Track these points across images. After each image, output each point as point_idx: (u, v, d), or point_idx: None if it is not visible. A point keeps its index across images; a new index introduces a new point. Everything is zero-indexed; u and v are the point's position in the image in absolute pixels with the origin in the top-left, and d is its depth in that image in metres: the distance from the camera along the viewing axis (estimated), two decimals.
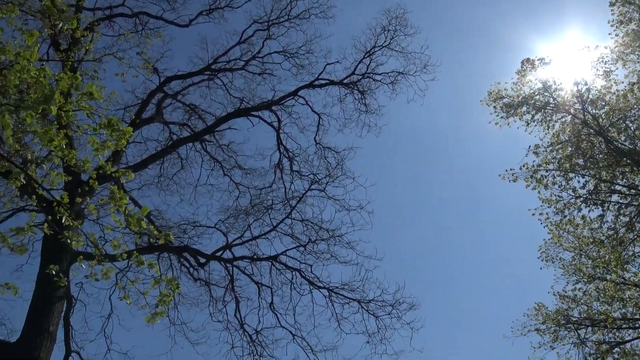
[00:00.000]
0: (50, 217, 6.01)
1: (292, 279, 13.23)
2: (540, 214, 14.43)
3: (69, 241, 5.66)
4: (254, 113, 14.33)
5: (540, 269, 15.36)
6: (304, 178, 14.31)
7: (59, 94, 4.84)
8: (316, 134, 14.65)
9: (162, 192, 15.09)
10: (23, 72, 4.75)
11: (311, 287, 13.22)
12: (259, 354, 12.86)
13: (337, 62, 14.65)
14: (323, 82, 14.54)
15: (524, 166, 14.12)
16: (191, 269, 13.18)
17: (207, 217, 18.12)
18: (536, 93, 14.21)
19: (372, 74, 14.62)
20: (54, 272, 5.92)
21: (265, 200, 14.48)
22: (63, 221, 5.57)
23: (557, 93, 14.00)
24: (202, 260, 12.77)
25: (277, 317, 13.16)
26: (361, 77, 14.61)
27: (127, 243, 12.27)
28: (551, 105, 14.08)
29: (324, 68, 14.48)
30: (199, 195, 15.27)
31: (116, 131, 5.69)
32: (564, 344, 14.53)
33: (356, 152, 14.52)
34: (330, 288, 13.09)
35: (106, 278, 5.85)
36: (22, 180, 5.61)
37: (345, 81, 14.61)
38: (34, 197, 6.58)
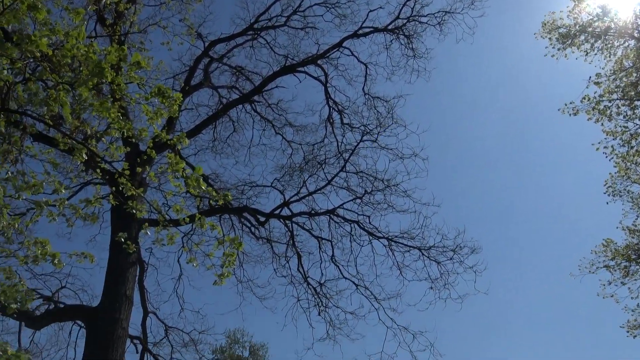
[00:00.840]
0: (114, 189, 6.27)
1: (351, 231, 13.36)
2: (605, 147, 13.76)
3: (133, 210, 5.91)
4: (299, 69, 14.20)
5: (607, 203, 14.78)
6: (355, 130, 14.19)
7: (109, 67, 4.96)
8: (364, 85, 14.39)
9: (217, 155, 15.42)
10: (73, 50, 4.87)
11: (370, 238, 13.32)
12: (324, 305, 13.20)
13: (380, 7, 14.17)
14: (367, 30, 14.15)
15: (585, 98, 13.42)
16: (252, 228, 13.53)
17: (262, 176, 18.37)
18: (595, 19, 13.32)
19: (417, 17, 14.07)
20: (123, 240, 6.22)
21: (319, 155, 14.50)
22: (126, 191, 5.81)
23: (618, 17, 13.08)
24: (262, 219, 13.05)
25: (339, 269, 13.40)
26: (406, 21, 14.11)
27: (189, 207, 12.68)
28: (612, 31, 13.19)
29: (367, 16, 14.06)
30: (253, 156, 15.50)
31: (167, 98, 5.81)
32: (635, 279, 14.11)
33: (406, 100, 14.15)
34: (390, 237, 13.14)
35: (171, 243, 6.10)
36: (85, 155, 5.86)
37: (390, 27, 14.16)
38: (98, 170, 6.88)
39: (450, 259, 12.79)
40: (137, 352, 12.26)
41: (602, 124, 13.50)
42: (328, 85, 14.19)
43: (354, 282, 13.20)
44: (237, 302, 13.93)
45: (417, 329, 12.51)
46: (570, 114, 13.69)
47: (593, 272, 14.76)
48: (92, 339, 9.12)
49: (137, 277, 10.62)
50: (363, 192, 13.45)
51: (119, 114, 5.74)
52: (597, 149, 13.82)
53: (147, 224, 6.89)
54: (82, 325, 10.92)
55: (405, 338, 12.54)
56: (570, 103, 13.62)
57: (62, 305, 10.21)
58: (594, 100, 13.35)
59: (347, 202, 13.40)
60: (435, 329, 12.65)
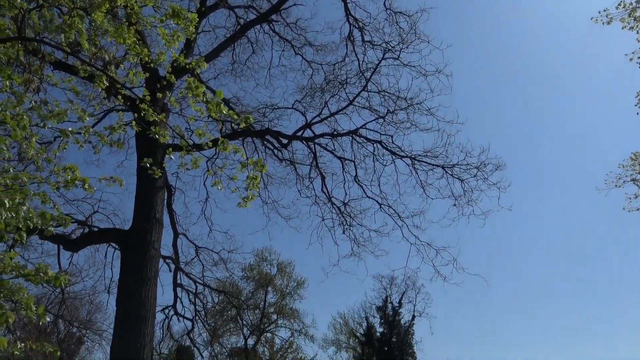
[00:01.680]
0: (136, 115, 6.30)
1: (374, 151, 13.36)
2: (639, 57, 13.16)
3: (156, 136, 5.98)
4: None
5: (637, 114, 14.31)
6: (377, 48, 13.79)
7: None
8: None
9: (237, 78, 15.27)
10: None
11: (394, 157, 13.32)
12: (348, 223, 13.47)
13: None
14: None
15: (620, 5, 12.70)
16: (275, 151, 13.62)
17: (283, 98, 18.30)
18: None
19: None
20: (148, 165, 6.33)
21: (340, 75, 14.24)
22: (148, 117, 5.85)
23: None
24: (285, 141, 13.09)
25: (363, 188, 13.53)
26: None
27: (212, 132, 12.76)
28: None
29: None
30: (274, 77, 15.33)
31: (182, 19, 5.71)
32: None
33: (429, 14, 13.59)
34: (413, 156, 13.11)
35: (196, 167, 6.19)
36: (105, 82, 5.86)
37: None
38: (119, 97, 6.90)
39: (474, 176, 12.78)
40: (170, 271, 12.88)
41: (638, 32, 12.83)
42: (348, 1, 13.68)
43: (377, 201, 13.37)
44: (263, 222, 14.32)
45: (440, 245, 12.78)
46: (603, 23, 13.01)
47: (619, 186, 14.60)
48: (127, 259, 9.56)
49: (165, 201, 10.92)
50: (385, 111, 13.31)
51: (135, 39, 5.66)
52: (631, 59, 13.23)
53: (171, 149, 6.99)
54: (117, 247, 11.40)
55: (428, 253, 12.84)
56: (604, 10, 12.93)
57: (96, 229, 10.63)
58: (630, 6, 12.63)
59: (370, 122, 13.32)
60: (458, 245, 12.93)
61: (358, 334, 55.81)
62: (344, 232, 13.56)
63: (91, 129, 6.13)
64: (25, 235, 4.66)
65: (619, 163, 14.64)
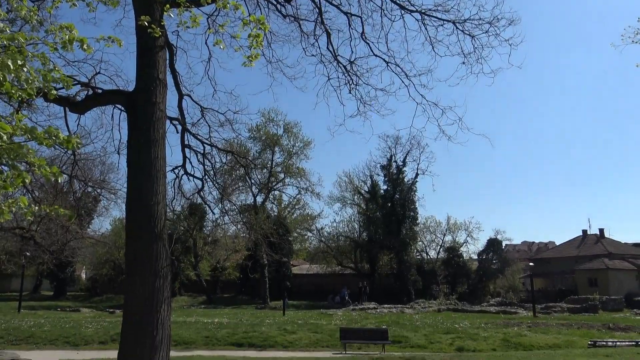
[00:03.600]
0: None
1: (382, 5, 12.72)
2: None
3: None
4: None
5: None
6: None
7: None
8: None
9: None
10: None
11: (402, 12, 12.73)
12: (354, 83, 13.28)
13: None
14: None
15: None
16: (278, 6, 12.99)
17: None
18: None
19: None
20: (147, 23, 6.09)
21: None
22: None
23: None
24: None
25: (370, 46, 13.13)
26: None
27: None
28: None
29: None
30: None
31: None
32: None
33: None
34: (423, 11, 12.52)
35: (196, 25, 5.95)
36: None
37: None
38: None
39: (486, 32, 12.31)
40: (177, 132, 12.99)
41: None
42: None
43: (384, 59, 13.04)
44: (268, 82, 14.22)
45: (446, 104, 12.71)
46: None
47: (637, 42, 14.08)
48: (133, 121, 9.60)
49: (167, 61, 10.68)
50: None
51: None
52: None
53: (168, 5, 6.66)
54: (122, 109, 11.40)
55: (434, 113, 12.82)
56: None
57: (100, 91, 10.54)
58: None
59: None
60: (465, 104, 12.85)
61: (363, 191, 57.95)
62: (350, 92, 13.42)
63: None
64: (32, 95, 4.62)
65: (638, 17, 13.98)
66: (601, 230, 66.89)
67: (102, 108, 13.31)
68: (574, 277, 58.05)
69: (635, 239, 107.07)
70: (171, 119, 12.36)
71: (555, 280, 61.76)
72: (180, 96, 12.57)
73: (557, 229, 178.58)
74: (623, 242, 67.90)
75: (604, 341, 19.64)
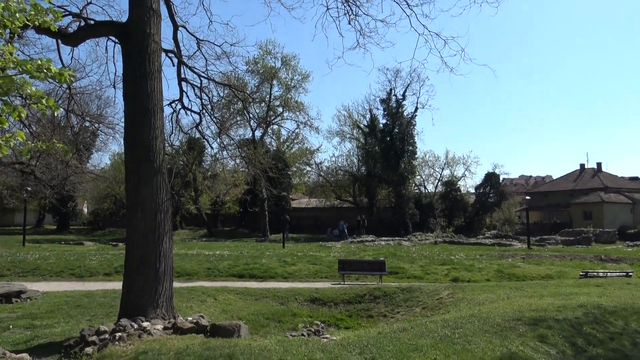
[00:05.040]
0: None
1: None
2: None
3: None
4: None
5: None
6: None
7: None
8: None
9: None
10: None
11: None
12: (354, 13, 12.86)
13: None
14: None
15: None
16: None
17: None
18: None
19: None
20: None
21: None
22: None
23: None
24: None
25: None
26: None
27: None
28: None
29: None
30: None
31: None
32: None
33: None
34: None
35: None
36: None
37: None
38: None
39: None
40: (173, 65, 12.72)
41: None
42: None
43: None
44: (265, 13, 13.79)
45: (449, 35, 12.39)
46: None
47: None
48: (128, 53, 9.40)
49: None
50: None
51: None
52: None
53: None
54: (116, 41, 11.11)
55: (436, 44, 12.59)
56: None
57: (92, 22, 10.23)
58: None
59: None
60: (468, 35, 12.52)
61: (362, 125, 57.64)
62: (349, 23, 13.02)
63: None
64: (28, 25, 4.48)
65: None
66: (599, 164, 67.21)
67: (95, 40, 12.98)
68: (570, 210, 58.89)
69: (633, 172, 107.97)
70: (166, 51, 12.08)
71: (551, 213, 62.72)
72: (175, 27, 12.22)
73: (555, 163, 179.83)
74: (620, 176, 68.42)
75: (595, 272, 20.14)
